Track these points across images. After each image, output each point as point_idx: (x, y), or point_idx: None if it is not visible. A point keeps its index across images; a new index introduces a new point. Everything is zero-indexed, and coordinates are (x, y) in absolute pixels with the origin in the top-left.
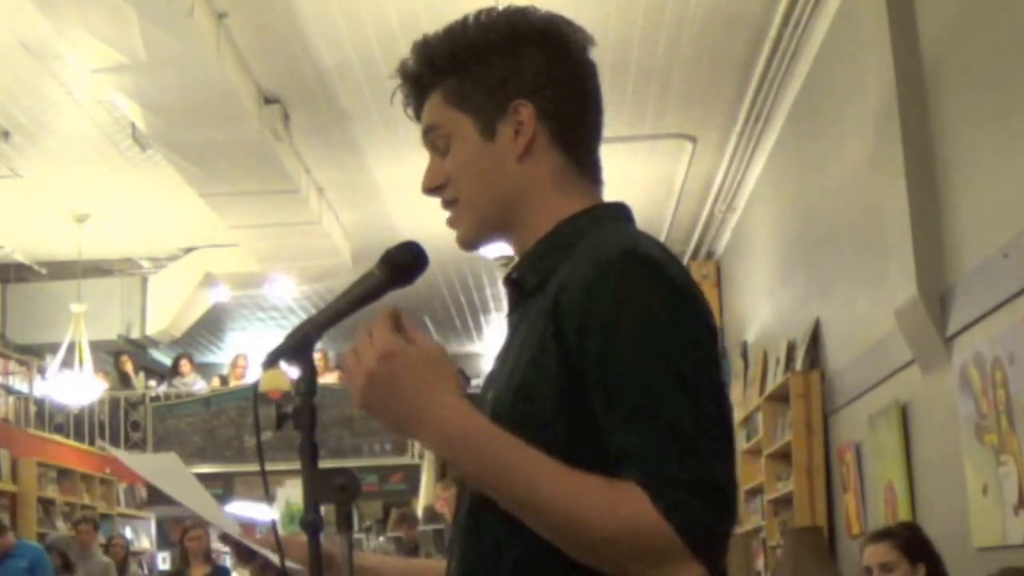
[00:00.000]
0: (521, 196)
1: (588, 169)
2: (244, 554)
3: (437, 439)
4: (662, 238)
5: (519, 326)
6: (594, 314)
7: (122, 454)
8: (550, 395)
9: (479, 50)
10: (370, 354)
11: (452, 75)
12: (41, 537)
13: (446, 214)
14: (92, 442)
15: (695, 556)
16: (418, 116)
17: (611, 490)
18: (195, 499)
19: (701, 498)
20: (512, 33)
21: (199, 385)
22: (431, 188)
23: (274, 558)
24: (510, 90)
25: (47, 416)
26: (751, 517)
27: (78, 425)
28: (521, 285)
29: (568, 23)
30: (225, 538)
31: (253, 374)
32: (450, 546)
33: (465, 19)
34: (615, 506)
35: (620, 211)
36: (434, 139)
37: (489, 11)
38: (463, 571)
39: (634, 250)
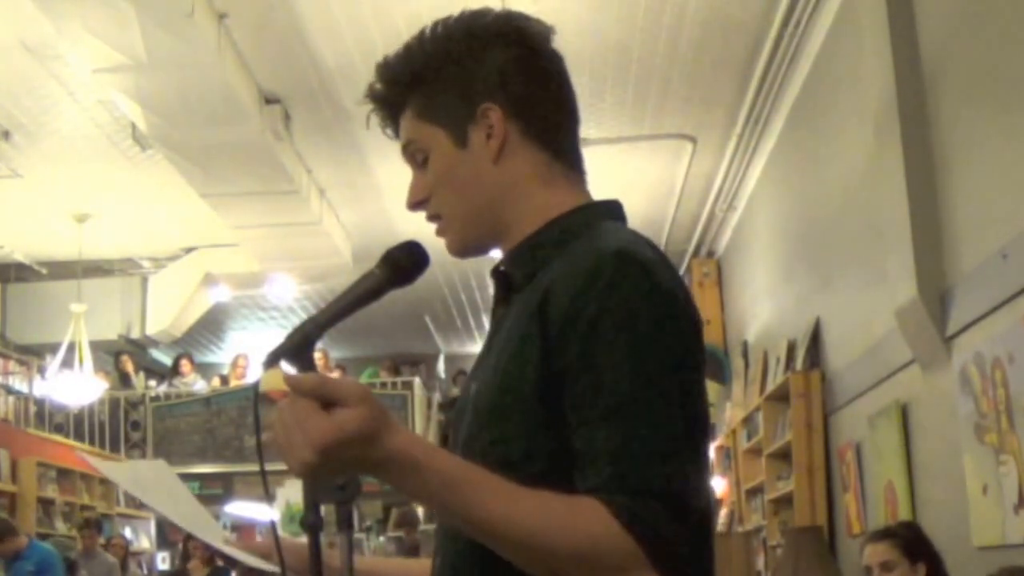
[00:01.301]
0: (504, 198)
1: (569, 160)
2: (226, 562)
3: (388, 478)
4: (663, 237)
5: (504, 320)
6: (579, 312)
7: (101, 464)
8: (528, 392)
9: (438, 61)
10: (304, 450)
11: (418, 90)
12: (42, 537)
13: None
14: (92, 442)
15: (655, 566)
16: (396, 134)
17: (568, 506)
18: (176, 509)
19: (666, 505)
20: (469, 38)
21: (199, 385)
22: (415, 203)
23: (256, 563)
24: (475, 95)
25: (47, 416)
26: (751, 517)
27: (78, 425)
28: (510, 278)
29: (526, 18)
30: (208, 547)
31: (253, 374)
32: (436, 540)
33: (422, 32)
34: (574, 522)
35: (612, 210)
36: (412, 154)
37: (445, 20)
38: (447, 563)
39: (625, 251)
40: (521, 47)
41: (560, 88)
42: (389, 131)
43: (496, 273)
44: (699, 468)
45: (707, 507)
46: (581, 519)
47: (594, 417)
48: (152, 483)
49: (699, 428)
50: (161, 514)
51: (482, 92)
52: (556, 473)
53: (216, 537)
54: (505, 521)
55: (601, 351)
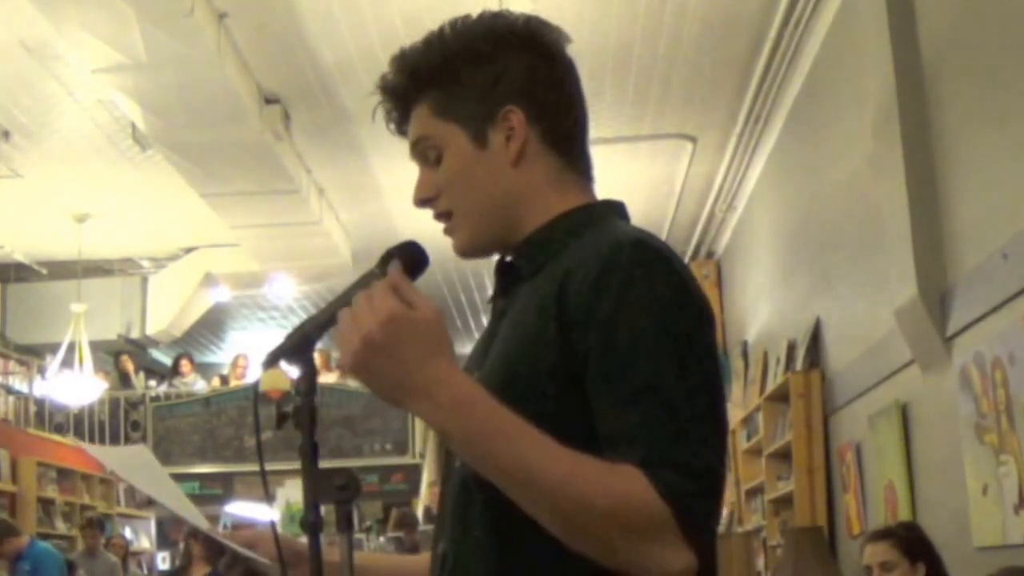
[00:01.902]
0: (518, 201)
1: (580, 166)
2: (214, 549)
3: (431, 407)
4: (662, 238)
5: (507, 311)
6: (600, 298)
7: (91, 447)
8: (544, 376)
9: (461, 59)
10: (369, 318)
11: (436, 87)
12: (43, 537)
13: None
14: (92, 442)
15: (689, 541)
16: (401, 129)
17: (607, 467)
18: (164, 492)
19: (698, 483)
20: (491, 39)
21: (199, 385)
22: (424, 200)
23: (243, 552)
24: (497, 96)
25: (47, 416)
26: (751, 517)
27: (78, 425)
28: (516, 270)
29: (545, 23)
30: (194, 533)
31: (253, 374)
32: (436, 532)
33: (441, 29)
34: (612, 482)
35: (618, 209)
36: (424, 150)
37: (465, 18)
38: (448, 551)
39: (642, 240)
40: (542, 53)
41: (576, 95)
42: (392, 125)
43: (501, 264)
44: (722, 448)
45: (724, 488)
46: (618, 478)
47: (622, 398)
48: (139, 467)
49: (720, 408)
50: (150, 496)
51: (504, 94)
52: None
53: (201, 523)
54: (541, 469)
55: (625, 333)
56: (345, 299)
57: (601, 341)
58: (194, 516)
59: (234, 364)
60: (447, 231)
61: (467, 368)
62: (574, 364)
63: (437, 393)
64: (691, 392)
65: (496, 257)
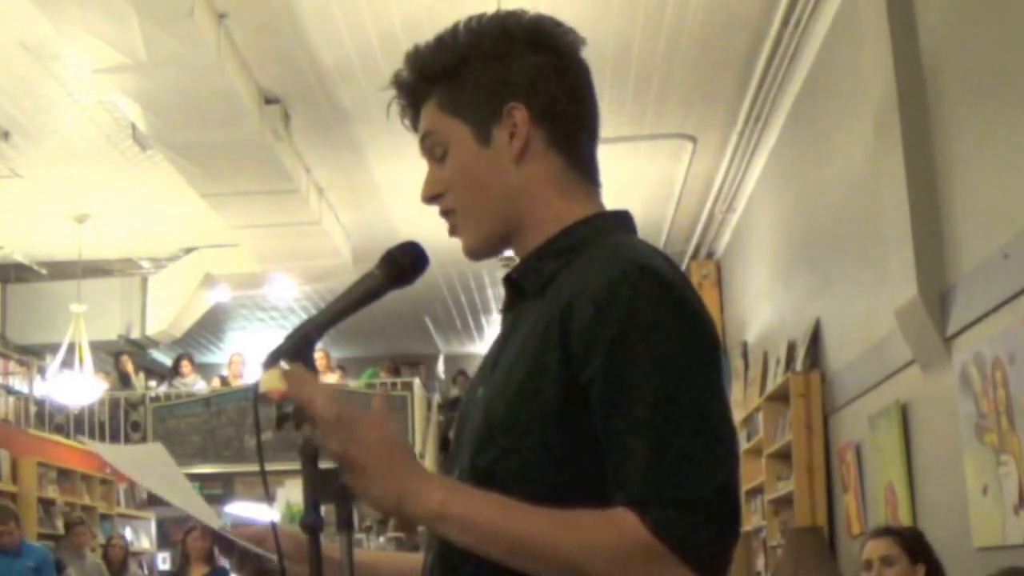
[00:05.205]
0: (521, 199)
1: (586, 170)
2: (224, 546)
3: (417, 518)
4: (662, 238)
5: (515, 327)
6: (604, 326)
7: (99, 446)
8: (547, 404)
9: (471, 57)
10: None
11: (445, 83)
12: (48, 538)
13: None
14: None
15: (695, 569)
16: (414, 125)
17: (599, 518)
18: (174, 490)
19: (695, 515)
20: (502, 37)
21: (199, 385)
22: (431, 197)
23: (252, 549)
24: (503, 94)
25: (47, 416)
26: (751, 517)
27: (78, 425)
28: (521, 286)
29: (558, 24)
30: (206, 528)
31: (251, 373)
32: (427, 535)
33: (455, 27)
34: (606, 533)
35: (624, 221)
36: (431, 146)
37: (479, 17)
38: (437, 556)
39: (646, 266)
40: (553, 54)
41: (586, 99)
42: (406, 121)
43: (507, 280)
44: (729, 472)
45: (738, 508)
46: (612, 527)
47: (623, 429)
48: (148, 466)
49: (725, 434)
50: (159, 496)
51: (511, 92)
52: (571, 484)
53: (213, 521)
54: (534, 540)
55: (627, 364)
56: (346, 299)
57: (601, 374)
58: (205, 514)
59: (230, 363)
60: (452, 231)
61: (474, 382)
62: (578, 396)
63: (416, 521)
64: (693, 423)
65: (494, 259)
